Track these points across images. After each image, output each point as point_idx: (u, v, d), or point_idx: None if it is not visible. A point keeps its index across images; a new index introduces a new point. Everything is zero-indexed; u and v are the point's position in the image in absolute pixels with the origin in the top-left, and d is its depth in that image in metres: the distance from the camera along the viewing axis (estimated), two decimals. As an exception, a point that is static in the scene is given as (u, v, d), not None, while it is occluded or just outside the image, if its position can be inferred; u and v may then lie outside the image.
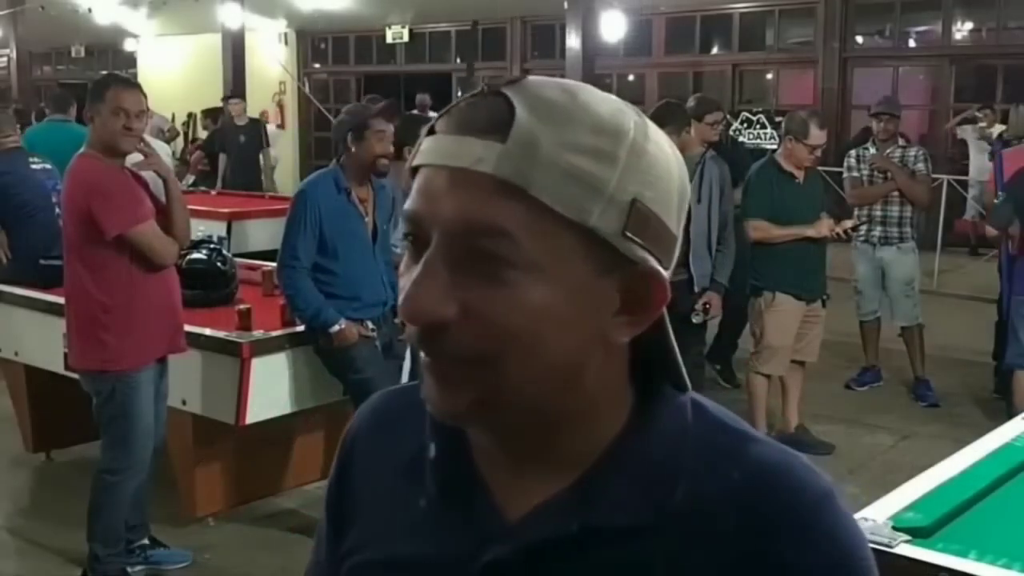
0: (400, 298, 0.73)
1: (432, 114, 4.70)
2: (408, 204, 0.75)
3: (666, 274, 0.75)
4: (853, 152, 6.27)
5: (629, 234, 0.72)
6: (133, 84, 3.59)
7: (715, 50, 13.63)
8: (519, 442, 0.79)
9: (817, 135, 4.96)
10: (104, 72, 4.97)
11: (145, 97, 3.55)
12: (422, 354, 0.75)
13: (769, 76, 13.39)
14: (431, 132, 0.76)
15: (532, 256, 0.70)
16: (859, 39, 12.62)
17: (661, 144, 0.75)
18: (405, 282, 0.74)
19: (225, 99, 11.59)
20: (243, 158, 10.29)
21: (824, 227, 5.00)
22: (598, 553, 0.75)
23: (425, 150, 0.75)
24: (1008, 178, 5.43)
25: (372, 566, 0.85)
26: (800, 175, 5.05)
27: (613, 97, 0.76)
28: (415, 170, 0.76)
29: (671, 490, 0.75)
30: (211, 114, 11.69)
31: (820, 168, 5.53)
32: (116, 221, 3.40)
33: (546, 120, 0.71)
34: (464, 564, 0.78)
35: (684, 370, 0.81)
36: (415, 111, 10.67)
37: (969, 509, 2.20)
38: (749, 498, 0.75)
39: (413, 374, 4.35)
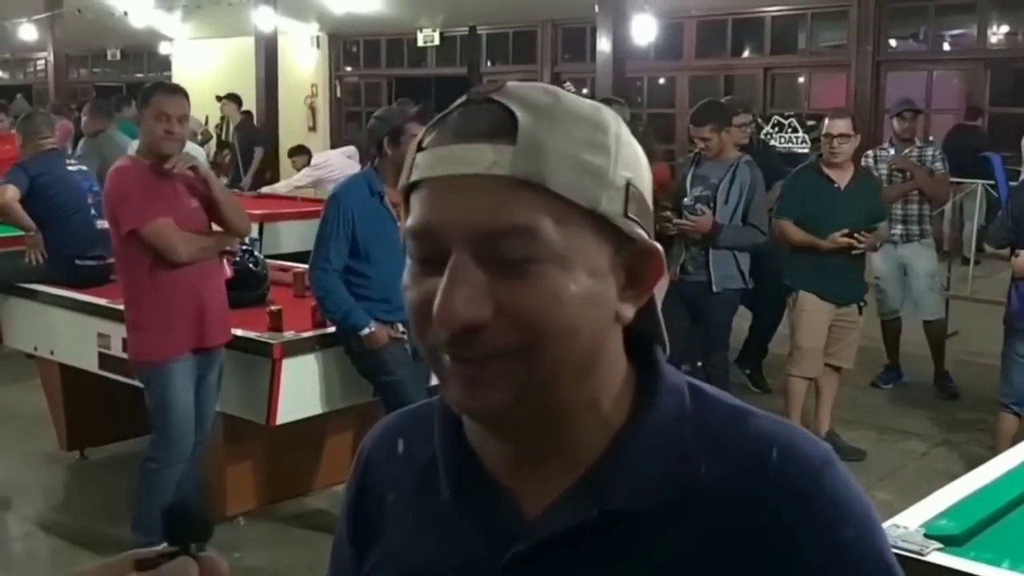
0: (435, 309, 0.74)
1: None
2: (415, 219, 0.76)
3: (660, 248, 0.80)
4: (871, 152, 6.27)
5: (630, 215, 0.77)
6: (177, 90, 3.75)
7: (746, 53, 13.55)
8: (535, 438, 0.80)
9: (829, 124, 4.95)
10: (139, 75, 5.00)
11: (188, 102, 3.70)
12: (445, 361, 0.76)
13: (801, 79, 13.30)
14: (421, 148, 0.78)
15: (556, 248, 0.73)
16: (892, 42, 12.50)
17: (631, 137, 0.80)
18: (415, 293, 0.76)
19: (222, 99, 11.74)
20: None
21: (837, 239, 4.85)
22: (619, 539, 0.77)
23: (425, 164, 0.77)
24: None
25: None
26: (842, 181, 4.99)
27: (585, 98, 0.80)
28: (411, 187, 0.78)
29: (681, 470, 0.78)
30: (232, 100, 11.90)
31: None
32: (129, 217, 3.54)
33: (544, 120, 0.75)
34: (488, 565, 0.79)
35: (664, 330, 0.85)
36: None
37: (1003, 518, 2.18)
38: (752, 471, 0.78)
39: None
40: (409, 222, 0.77)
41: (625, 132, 0.79)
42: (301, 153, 10.09)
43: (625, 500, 0.77)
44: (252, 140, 11.73)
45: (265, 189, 9.50)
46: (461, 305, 0.73)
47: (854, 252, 4.93)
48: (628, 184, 0.77)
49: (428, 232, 0.75)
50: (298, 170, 9.44)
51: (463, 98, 0.79)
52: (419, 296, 0.76)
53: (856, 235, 4.86)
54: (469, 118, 0.76)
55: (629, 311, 0.79)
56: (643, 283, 0.80)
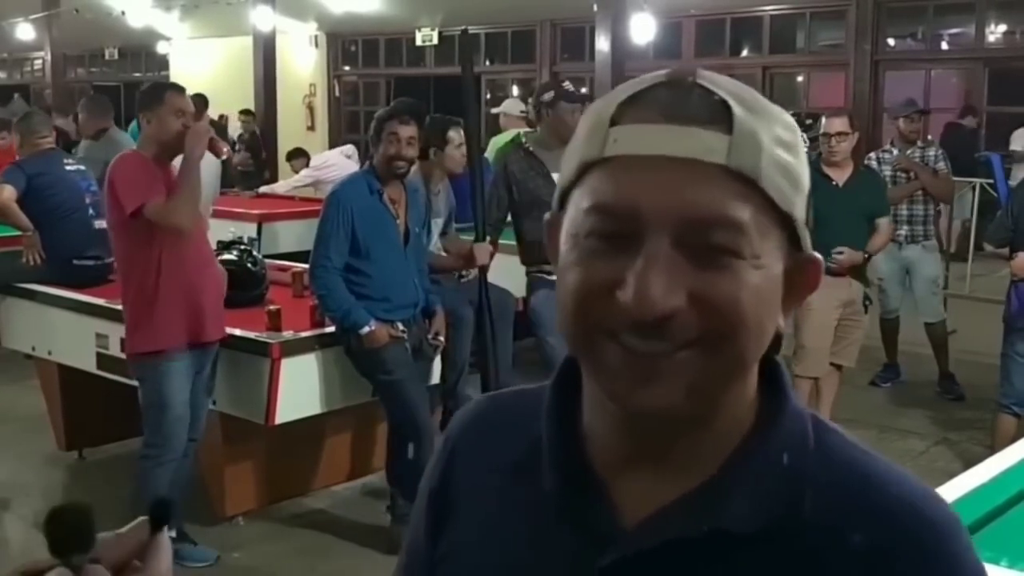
0: (631, 294, 0.70)
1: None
2: (611, 195, 0.72)
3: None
4: (874, 154, 6.28)
5: (807, 221, 0.76)
6: (184, 90, 3.90)
7: (745, 52, 13.55)
8: (661, 440, 0.77)
9: (827, 123, 4.97)
10: (137, 75, 5.04)
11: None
12: (615, 352, 0.72)
13: (800, 78, 13.30)
14: (613, 122, 0.73)
15: (754, 245, 0.71)
16: (891, 41, 12.49)
17: None
18: (586, 272, 0.72)
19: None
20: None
21: (841, 261, 4.78)
22: (722, 558, 0.74)
23: (626, 139, 0.72)
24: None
25: (483, 568, 0.84)
26: (841, 179, 4.98)
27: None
28: (598, 162, 0.73)
29: (798, 499, 0.75)
30: (248, 114, 11.93)
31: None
32: (134, 197, 3.58)
33: (753, 113, 0.72)
34: (581, 566, 0.76)
35: (780, 348, 0.81)
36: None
37: (1001, 515, 2.18)
38: (873, 517, 0.75)
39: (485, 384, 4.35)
40: (597, 197, 0.72)
41: (800, 135, 0.78)
42: (299, 156, 10.08)
43: (737, 520, 0.74)
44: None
45: (264, 189, 9.49)
46: (660, 292, 0.69)
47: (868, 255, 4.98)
48: (809, 191, 0.76)
49: (625, 211, 0.71)
50: (296, 173, 9.44)
51: (662, 76, 0.75)
52: (591, 275, 0.72)
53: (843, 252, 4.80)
54: (678, 99, 0.72)
55: (783, 321, 0.77)
56: (798, 294, 0.77)
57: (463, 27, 4.47)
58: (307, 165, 9.38)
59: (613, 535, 0.76)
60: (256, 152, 11.56)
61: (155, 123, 3.69)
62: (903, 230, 6.07)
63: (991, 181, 8.43)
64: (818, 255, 0.78)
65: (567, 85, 4.85)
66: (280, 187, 9.34)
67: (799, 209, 0.74)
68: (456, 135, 4.74)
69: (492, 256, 4.58)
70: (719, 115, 0.71)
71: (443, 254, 4.86)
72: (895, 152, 6.20)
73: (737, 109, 0.71)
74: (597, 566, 0.75)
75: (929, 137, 9.85)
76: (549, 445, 0.80)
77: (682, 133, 0.71)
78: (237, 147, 11.60)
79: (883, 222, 5.16)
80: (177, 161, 3.79)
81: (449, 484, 0.90)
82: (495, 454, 0.87)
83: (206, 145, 3.70)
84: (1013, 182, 7.35)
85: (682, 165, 0.70)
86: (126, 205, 3.57)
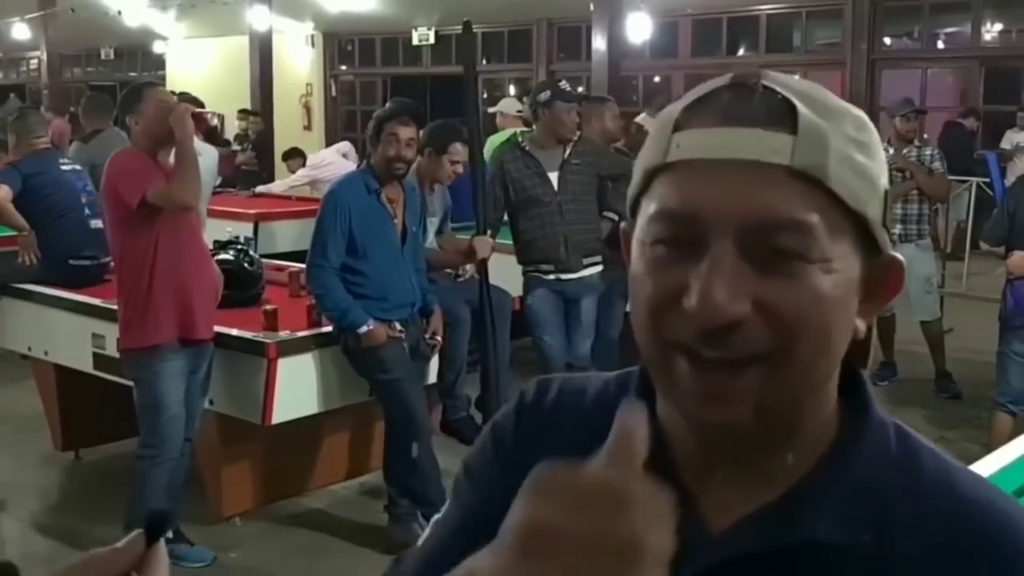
0: (694, 300, 0.68)
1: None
2: (674, 200, 0.71)
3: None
4: None
5: (885, 224, 0.74)
6: (159, 86, 3.99)
7: (742, 52, 13.56)
8: (743, 448, 0.75)
9: None
10: (133, 74, 5.06)
11: None
12: (684, 366, 0.70)
13: (796, 78, 13.29)
14: (677, 128, 0.72)
15: (823, 248, 0.69)
16: (887, 40, 12.52)
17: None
18: (657, 282, 0.71)
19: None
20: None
21: None
22: (808, 571, 0.73)
23: (688, 145, 0.71)
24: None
25: None
26: None
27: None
28: (662, 168, 0.72)
29: (881, 511, 0.74)
30: (255, 114, 11.97)
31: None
32: (134, 190, 3.58)
33: (820, 111, 0.71)
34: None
35: (868, 358, 0.82)
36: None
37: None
38: (959, 530, 0.73)
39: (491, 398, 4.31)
40: (661, 203, 0.71)
41: (879, 138, 0.76)
42: (295, 156, 10.09)
43: (827, 531, 0.72)
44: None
45: (260, 188, 9.48)
46: (724, 298, 0.67)
47: None
48: (886, 191, 0.74)
49: (689, 217, 0.70)
50: (293, 173, 9.43)
51: (726, 79, 0.74)
52: (661, 284, 0.71)
53: None
54: (741, 102, 0.71)
55: (863, 326, 0.75)
56: (880, 298, 0.76)
57: (465, 20, 4.43)
58: (303, 165, 9.38)
59: (696, 543, 0.73)
60: (265, 153, 11.61)
61: (142, 120, 3.70)
62: (897, 229, 6.08)
63: (987, 180, 8.45)
64: (900, 257, 0.76)
65: (563, 85, 4.85)
66: (277, 187, 9.33)
67: (873, 210, 0.72)
68: (457, 149, 4.69)
69: (492, 250, 4.57)
70: (783, 115, 0.70)
71: (440, 250, 4.86)
72: (891, 151, 6.21)
73: (802, 108, 0.70)
74: (686, 572, 0.73)
75: (925, 136, 9.88)
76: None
77: (744, 135, 0.70)
78: (244, 146, 11.61)
79: None
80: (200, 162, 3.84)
81: (530, 449, 0.83)
82: (562, 440, 0.82)
83: (191, 122, 3.68)
84: (1008, 181, 7.36)
85: (745, 167, 0.69)
86: (129, 199, 3.57)
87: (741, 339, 0.68)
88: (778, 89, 0.72)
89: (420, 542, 0.88)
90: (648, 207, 0.73)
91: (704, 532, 0.75)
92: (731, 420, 0.71)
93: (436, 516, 0.91)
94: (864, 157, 0.72)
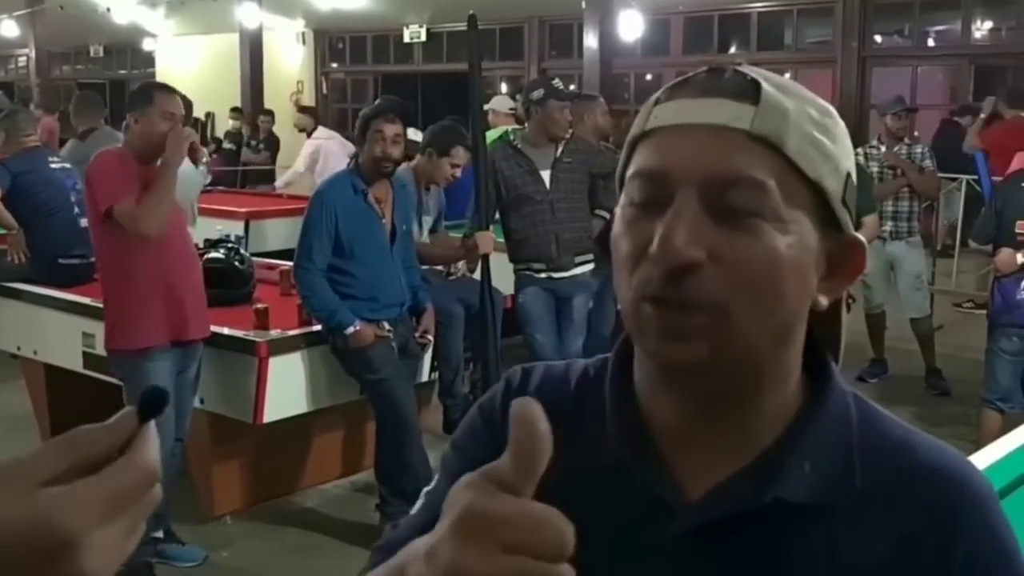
0: (656, 243, 0.75)
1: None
2: (646, 161, 0.78)
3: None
4: (860, 150, 6.31)
5: (846, 202, 0.79)
6: (176, 91, 3.78)
7: (733, 50, 13.58)
8: (712, 413, 0.81)
9: None
10: (122, 72, 4.98)
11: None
12: (648, 309, 0.76)
13: (787, 75, 13.25)
14: (657, 102, 0.81)
15: (778, 209, 0.75)
16: (878, 38, 12.55)
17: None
18: (631, 239, 0.77)
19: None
20: None
21: None
22: (781, 530, 0.78)
23: (663, 115, 0.79)
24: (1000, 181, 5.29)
25: None
26: None
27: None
28: (642, 136, 0.80)
29: (851, 472, 0.80)
30: (268, 114, 12.03)
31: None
32: (104, 195, 3.54)
33: (784, 91, 0.78)
34: (640, 535, 0.80)
35: (842, 341, 0.88)
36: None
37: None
38: (926, 488, 0.79)
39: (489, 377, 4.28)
40: (637, 165, 0.79)
41: (845, 129, 0.82)
42: (308, 113, 10.04)
43: (796, 492, 0.78)
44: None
45: (279, 184, 9.62)
46: (681, 241, 0.74)
47: None
48: (849, 174, 0.80)
49: (658, 174, 0.77)
50: (302, 129, 9.48)
51: (704, 68, 0.81)
52: (634, 239, 0.77)
53: None
54: (715, 79, 0.79)
55: (824, 300, 0.81)
56: (842, 276, 0.81)
57: (470, 13, 4.37)
58: (316, 121, 9.44)
59: (677, 506, 0.79)
60: (275, 152, 11.59)
61: (142, 122, 3.64)
62: (888, 226, 6.11)
63: (975, 177, 8.46)
64: (862, 239, 0.81)
65: (556, 83, 4.84)
66: (290, 176, 9.37)
67: (832, 184, 0.78)
68: (459, 153, 4.68)
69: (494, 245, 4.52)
70: (749, 90, 0.77)
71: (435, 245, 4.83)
72: (882, 149, 6.24)
73: (766, 85, 0.78)
74: (667, 535, 0.79)
75: (916, 134, 9.91)
76: (613, 416, 0.84)
77: (712, 103, 0.77)
78: (255, 145, 11.60)
79: (868, 220, 5.18)
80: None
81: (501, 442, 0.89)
82: (557, 417, 0.85)
83: (186, 150, 3.65)
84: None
85: (711, 131, 0.76)
86: (100, 203, 3.55)
87: (696, 283, 0.74)
88: (747, 71, 0.79)
89: (412, 511, 0.92)
90: (628, 172, 0.81)
91: (681, 498, 0.80)
92: (687, 356, 0.76)
93: (427, 487, 0.93)
94: (825, 138, 0.78)
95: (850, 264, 0.81)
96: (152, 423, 0.68)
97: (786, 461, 0.79)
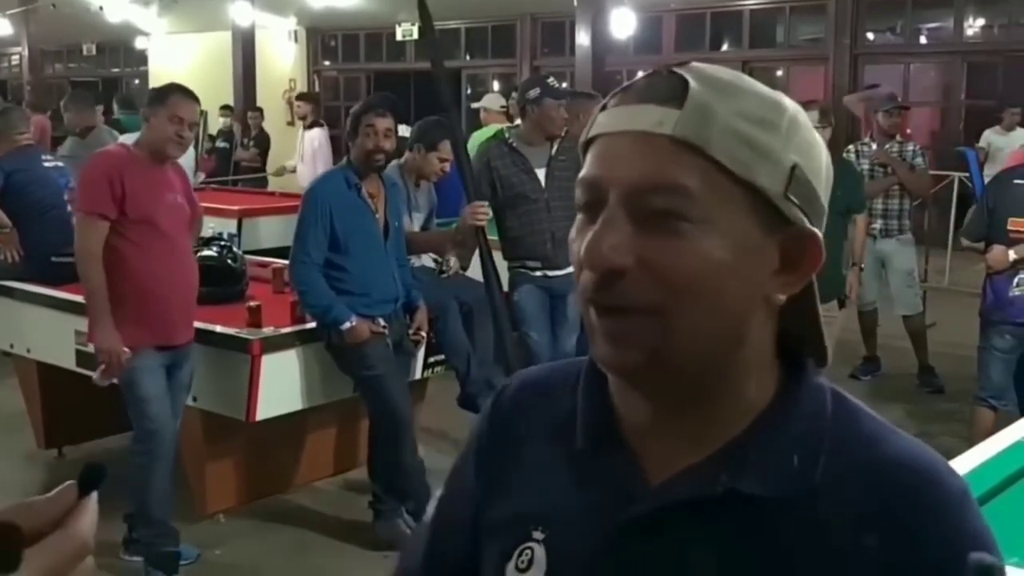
0: (583, 249, 0.78)
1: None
2: (585, 171, 0.81)
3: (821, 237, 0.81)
4: (852, 147, 6.33)
5: (790, 196, 0.78)
6: (193, 96, 3.74)
7: (725, 47, 13.59)
8: (673, 408, 0.83)
9: None
10: (115, 70, 4.97)
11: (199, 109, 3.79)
12: (593, 315, 0.79)
13: (780, 73, 13.35)
14: (603, 109, 0.82)
15: (705, 211, 0.76)
16: (870, 35, 12.57)
17: (810, 127, 0.83)
18: (579, 244, 0.79)
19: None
20: None
21: None
22: (737, 519, 0.79)
23: (602, 122, 0.81)
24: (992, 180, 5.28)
25: (516, 519, 0.89)
26: None
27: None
28: (590, 142, 0.82)
29: (813, 467, 0.79)
30: (257, 110, 12.01)
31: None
32: (82, 198, 3.58)
33: (718, 92, 0.78)
34: (604, 520, 0.83)
35: (827, 343, 0.86)
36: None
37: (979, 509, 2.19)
38: (891, 486, 0.79)
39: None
40: (582, 172, 0.82)
41: (804, 121, 0.81)
42: (309, 100, 9.85)
43: (752, 484, 0.78)
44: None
45: (288, 165, 9.55)
46: (606, 248, 0.76)
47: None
48: (794, 167, 0.79)
49: (592, 183, 0.80)
50: (302, 117, 9.39)
51: (651, 70, 0.83)
52: (579, 245, 0.80)
53: None
54: (649, 84, 0.80)
55: (780, 295, 0.81)
56: (798, 269, 0.81)
57: (421, 16, 4.35)
58: (313, 111, 9.29)
59: (637, 494, 0.82)
60: (265, 150, 11.54)
61: (152, 123, 3.63)
62: (878, 224, 6.13)
63: (967, 174, 8.49)
64: (814, 230, 0.80)
65: (552, 81, 4.84)
66: (296, 164, 9.31)
67: (768, 180, 0.77)
68: (447, 147, 4.66)
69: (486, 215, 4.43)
70: (678, 93, 0.78)
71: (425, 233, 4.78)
72: (873, 146, 6.25)
73: (695, 86, 0.78)
74: (616, 521, 0.82)
75: (908, 131, 9.92)
76: (582, 409, 0.88)
77: (639, 110, 0.79)
78: (246, 142, 11.57)
79: (859, 218, 5.18)
80: (178, 161, 3.79)
81: (501, 450, 0.95)
82: (541, 420, 0.93)
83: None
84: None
85: (636, 138, 0.78)
86: (79, 201, 3.57)
87: (624, 289, 0.77)
88: (684, 73, 0.79)
89: (427, 517, 1.00)
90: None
91: (644, 485, 0.83)
92: (626, 362, 0.79)
93: (439, 492, 1.00)
94: (762, 133, 0.77)
95: (807, 258, 0.80)
96: (94, 497, 0.71)
97: (745, 453, 0.80)
